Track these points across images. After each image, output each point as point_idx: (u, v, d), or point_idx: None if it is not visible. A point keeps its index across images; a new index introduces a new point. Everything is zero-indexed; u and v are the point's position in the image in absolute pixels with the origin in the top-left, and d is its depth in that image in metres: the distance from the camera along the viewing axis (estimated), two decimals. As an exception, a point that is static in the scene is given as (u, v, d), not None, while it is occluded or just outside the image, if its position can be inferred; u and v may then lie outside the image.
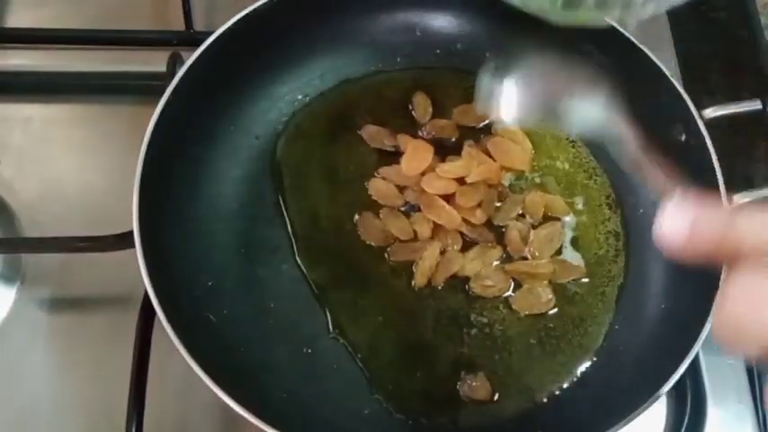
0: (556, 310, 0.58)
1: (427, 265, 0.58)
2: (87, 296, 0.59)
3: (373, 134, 0.63)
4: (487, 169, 0.62)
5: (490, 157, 0.63)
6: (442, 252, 0.58)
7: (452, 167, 0.61)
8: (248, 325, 0.55)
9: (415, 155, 0.62)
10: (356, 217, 0.60)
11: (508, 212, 0.60)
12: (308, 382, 0.54)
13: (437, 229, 0.59)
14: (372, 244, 0.59)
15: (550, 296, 0.57)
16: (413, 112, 0.65)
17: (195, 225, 0.57)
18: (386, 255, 0.58)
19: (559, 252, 0.60)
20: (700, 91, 0.71)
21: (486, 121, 0.64)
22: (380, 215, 0.60)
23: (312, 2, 0.64)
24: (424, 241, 0.59)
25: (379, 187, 0.61)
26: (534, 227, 0.60)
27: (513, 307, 0.57)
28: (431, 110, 0.65)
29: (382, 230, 0.60)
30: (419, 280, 0.58)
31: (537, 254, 0.59)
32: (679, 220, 0.33)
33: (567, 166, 0.64)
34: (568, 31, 0.63)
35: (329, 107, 0.65)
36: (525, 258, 0.59)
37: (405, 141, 0.63)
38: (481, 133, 0.64)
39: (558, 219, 0.61)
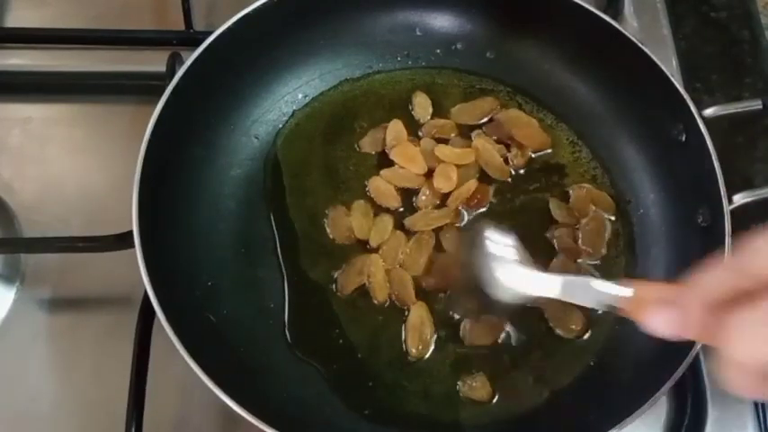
0: (556, 310, 0.57)
1: (380, 279, 0.57)
2: (87, 296, 0.59)
3: (369, 143, 0.63)
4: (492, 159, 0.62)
5: (502, 143, 0.63)
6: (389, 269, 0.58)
7: (451, 153, 0.62)
8: (248, 325, 0.55)
9: (406, 155, 0.62)
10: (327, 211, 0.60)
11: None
12: (308, 382, 0.54)
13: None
14: (337, 241, 0.59)
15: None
16: (412, 112, 0.65)
17: (195, 225, 0.57)
18: (334, 289, 0.57)
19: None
20: (700, 91, 0.71)
21: (486, 119, 0.65)
22: (351, 209, 0.60)
23: (312, 2, 0.63)
24: (363, 259, 0.58)
25: (378, 186, 0.61)
26: (577, 226, 0.60)
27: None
28: (431, 110, 0.65)
29: (348, 228, 0.59)
30: (379, 296, 0.57)
31: (591, 250, 0.59)
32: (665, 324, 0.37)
33: (568, 165, 0.63)
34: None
35: (329, 107, 0.65)
36: (575, 261, 0.58)
37: (393, 135, 0.63)
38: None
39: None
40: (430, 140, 0.63)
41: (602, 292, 0.42)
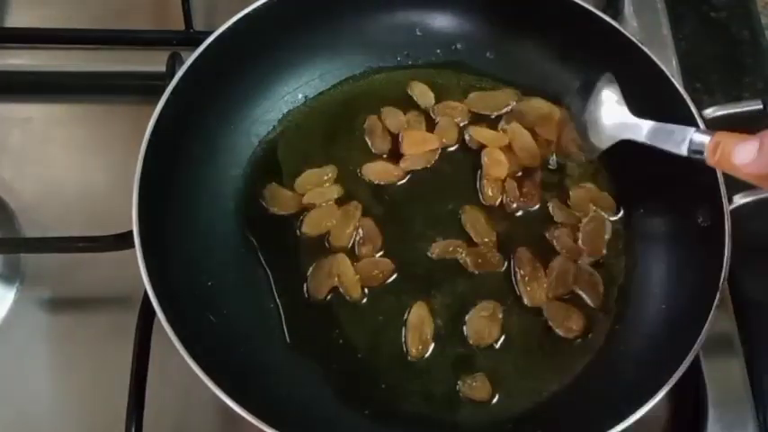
0: (556, 310, 0.58)
1: (350, 276, 0.57)
2: (87, 296, 0.59)
3: (379, 142, 0.63)
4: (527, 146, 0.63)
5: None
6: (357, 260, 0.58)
7: (488, 134, 0.63)
8: (248, 325, 0.55)
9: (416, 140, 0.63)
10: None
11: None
12: (308, 382, 0.54)
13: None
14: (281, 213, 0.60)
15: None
16: (417, 101, 0.65)
17: (195, 225, 0.57)
18: (305, 294, 0.57)
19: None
20: (700, 91, 0.71)
21: (504, 111, 0.65)
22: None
23: (312, 2, 0.64)
24: (329, 260, 0.58)
25: (375, 169, 0.62)
26: (577, 226, 0.60)
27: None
28: (432, 94, 0.65)
29: (292, 197, 0.60)
30: (354, 294, 0.57)
31: (591, 250, 0.59)
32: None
33: (568, 165, 0.63)
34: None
35: (329, 107, 0.65)
36: (575, 261, 0.59)
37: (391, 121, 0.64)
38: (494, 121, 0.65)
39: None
40: (448, 119, 0.64)
41: (688, 137, 0.46)
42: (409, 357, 0.55)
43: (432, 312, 0.56)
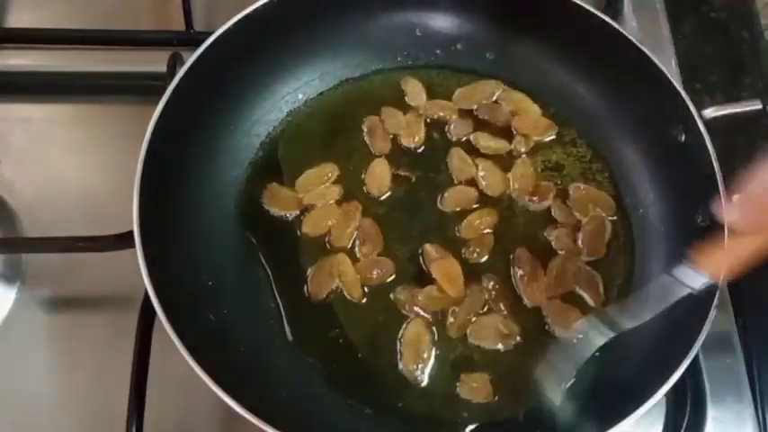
0: (556, 309, 0.58)
1: (351, 276, 0.57)
2: (87, 296, 0.60)
3: (380, 143, 0.64)
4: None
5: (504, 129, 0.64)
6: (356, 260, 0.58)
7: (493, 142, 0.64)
8: (248, 325, 0.55)
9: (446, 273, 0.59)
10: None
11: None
12: (308, 381, 0.54)
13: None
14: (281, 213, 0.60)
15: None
16: (405, 98, 0.65)
17: (195, 225, 0.57)
18: (306, 293, 0.57)
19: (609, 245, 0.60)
20: (700, 91, 0.71)
21: (491, 100, 0.66)
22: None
23: (312, 2, 0.64)
24: (330, 260, 0.58)
25: (375, 171, 0.62)
26: (577, 226, 0.60)
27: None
28: (424, 95, 0.66)
29: (292, 198, 0.60)
30: (355, 294, 0.57)
31: (591, 250, 0.59)
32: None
33: (567, 165, 0.64)
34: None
35: (329, 107, 0.66)
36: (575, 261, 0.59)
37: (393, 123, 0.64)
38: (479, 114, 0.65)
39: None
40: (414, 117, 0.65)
41: None
42: (403, 371, 0.55)
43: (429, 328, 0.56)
